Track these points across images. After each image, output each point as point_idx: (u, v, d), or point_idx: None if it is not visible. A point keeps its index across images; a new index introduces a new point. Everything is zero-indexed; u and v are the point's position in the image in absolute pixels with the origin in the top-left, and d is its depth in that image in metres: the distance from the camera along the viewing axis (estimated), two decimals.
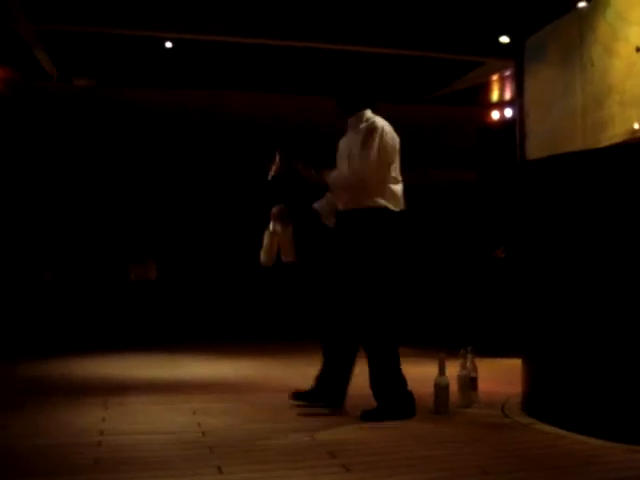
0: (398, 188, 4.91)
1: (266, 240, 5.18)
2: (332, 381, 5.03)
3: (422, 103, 10.16)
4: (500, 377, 6.33)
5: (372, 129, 4.77)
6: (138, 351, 8.80)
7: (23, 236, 11.68)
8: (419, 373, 6.55)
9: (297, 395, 5.00)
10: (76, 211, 12.31)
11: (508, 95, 10.65)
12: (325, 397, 4.99)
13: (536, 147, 5.12)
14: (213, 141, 11.07)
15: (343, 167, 4.88)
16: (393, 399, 4.80)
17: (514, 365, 5.59)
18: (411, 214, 13.18)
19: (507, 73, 9.48)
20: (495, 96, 10.86)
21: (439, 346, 6.36)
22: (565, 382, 4.50)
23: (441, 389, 4.94)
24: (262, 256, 5.21)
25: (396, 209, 4.88)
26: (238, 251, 11.72)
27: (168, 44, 8.74)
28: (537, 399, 4.84)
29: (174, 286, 11.77)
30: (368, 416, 4.68)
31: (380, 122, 4.84)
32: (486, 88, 10.30)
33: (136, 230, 12.20)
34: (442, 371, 4.96)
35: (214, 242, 11.92)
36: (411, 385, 5.77)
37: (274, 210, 5.13)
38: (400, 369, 4.90)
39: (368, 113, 4.92)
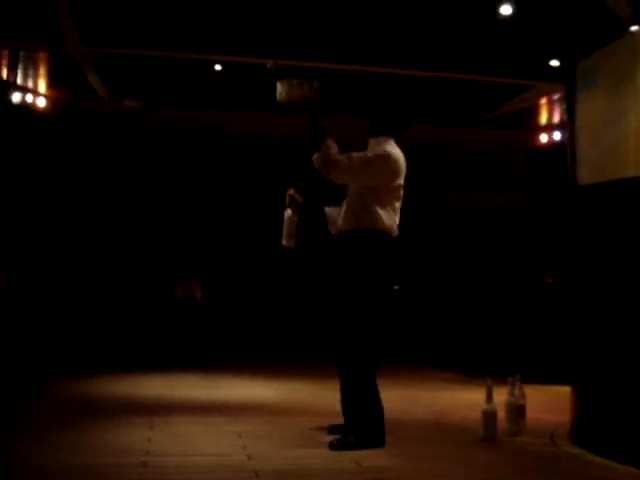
0: (395, 217, 4.93)
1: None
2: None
3: (471, 126, 10.11)
4: (548, 405, 6.23)
5: (381, 155, 4.83)
6: (183, 371, 8.81)
7: (73, 256, 11.82)
8: (467, 399, 6.52)
9: (332, 429, 4.91)
10: (124, 231, 12.45)
11: (557, 118, 10.57)
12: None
13: (587, 172, 5.03)
14: (263, 162, 11.11)
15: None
16: (366, 427, 4.60)
17: (563, 392, 5.52)
18: (460, 237, 13.15)
19: (555, 96, 9.40)
20: (544, 119, 10.77)
21: (486, 372, 6.27)
22: (617, 412, 4.40)
23: (489, 416, 4.86)
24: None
25: (391, 233, 4.87)
26: (280, 272, 11.76)
27: (218, 67, 8.82)
28: (587, 429, 4.74)
29: (219, 306, 11.81)
30: (337, 446, 4.48)
31: (393, 154, 4.87)
32: (535, 111, 10.22)
33: (182, 250, 12.29)
34: (490, 398, 4.88)
35: (256, 262, 11.95)
36: (459, 411, 5.72)
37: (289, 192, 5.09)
38: (377, 395, 4.73)
39: (387, 141, 4.94)
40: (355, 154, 4.80)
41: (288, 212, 5.08)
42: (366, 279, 4.74)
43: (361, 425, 4.62)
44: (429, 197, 12.99)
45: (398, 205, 4.98)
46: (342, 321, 4.83)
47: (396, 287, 13.46)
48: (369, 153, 4.87)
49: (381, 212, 4.81)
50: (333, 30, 7.56)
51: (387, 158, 4.83)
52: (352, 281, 4.78)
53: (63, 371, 8.31)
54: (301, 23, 7.47)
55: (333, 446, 4.48)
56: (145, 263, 12.43)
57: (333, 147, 4.79)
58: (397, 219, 4.97)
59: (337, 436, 4.64)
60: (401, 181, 4.94)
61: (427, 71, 8.02)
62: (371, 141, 5.01)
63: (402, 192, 5.00)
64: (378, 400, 4.70)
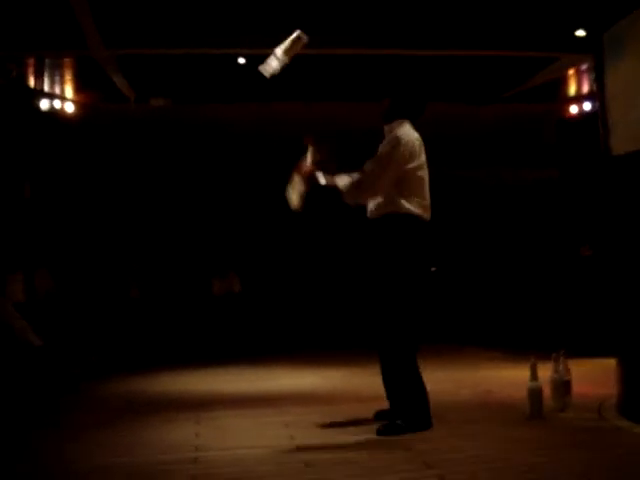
0: (419, 199, 4.84)
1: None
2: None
3: (499, 102, 10.02)
4: (594, 378, 6.18)
5: (390, 139, 4.82)
6: (224, 365, 8.86)
7: (111, 257, 11.94)
8: (511, 377, 6.51)
9: (378, 415, 4.93)
10: (160, 229, 12.55)
11: (586, 88, 10.44)
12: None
13: (620, 141, 4.97)
14: (294, 152, 11.10)
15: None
16: (411, 411, 4.60)
17: (608, 365, 5.46)
18: (496, 213, 13.05)
19: (583, 67, 9.29)
20: (572, 90, 10.64)
21: (529, 348, 6.24)
22: None
23: (534, 394, 4.85)
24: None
25: (421, 216, 4.82)
26: (320, 261, 11.78)
27: (241, 60, 8.82)
28: (635, 401, 4.70)
29: (258, 299, 11.86)
30: (384, 431, 4.51)
31: (404, 137, 4.80)
32: (563, 82, 10.10)
33: (218, 245, 12.36)
34: (534, 376, 4.87)
35: (295, 253, 11.98)
36: (504, 390, 5.71)
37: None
38: (420, 378, 4.70)
39: (400, 125, 4.90)
40: (368, 166, 4.76)
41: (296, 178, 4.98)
42: (396, 263, 4.72)
43: (406, 409, 4.60)
44: (460, 177, 12.93)
45: (421, 186, 4.88)
46: (378, 306, 4.81)
47: (433, 269, 13.48)
48: (381, 151, 4.80)
49: (400, 197, 4.76)
50: (353, 15, 7.52)
51: (397, 144, 4.76)
52: (384, 266, 4.76)
53: (105, 372, 8.39)
54: (318, 9, 7.44)
55: (380, 432, 4.49)
56: (182, 260, 12.53)
57: (343, 181, 4.81)
58: (423, 201, 4.87)
59: (384, 422, 4.64)
60: (417, 162, 4.85)
61: (450, 50, 7.96)
62: (386, 128, 4.97)
63: (424, 172, 4.91)
64: (421, 383, 4.69)
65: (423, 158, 4.92)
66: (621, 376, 4.94)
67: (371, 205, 4.87)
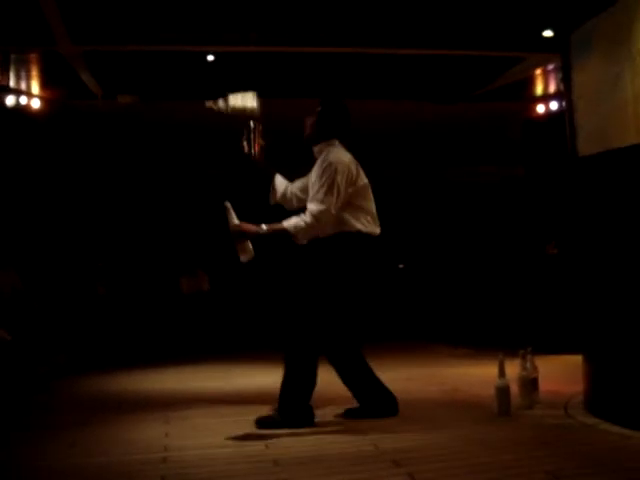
0: (367, 216, 4.95)
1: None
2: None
3: (467, 101, 10.07)
4: (560, 375, 6.26)
5: (325, 167, 4.79)
6: (193, 363, 8.82)
7: (75, 253, 11.84)
8: (479, 375, 6.56)
9: (348, 413, 5.04)
10: (126, 226, 12.47)
11: (552, 88, 10.51)
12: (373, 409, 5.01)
13: (586, 141, 5.02)
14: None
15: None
16: (293, 409, 4.76)
17: (574, 362, 5.54)
18: (462, 211, 13.14)
19: (550, 67, 9.36)
20: (539, 89, 10.72)
21: (496, 345, 6.30)
22: (631, 380, 4.42)
23: (502, 392, 4.90)
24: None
25: (367, 231, 4.91)
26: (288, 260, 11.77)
27: (210, 57, 8.78)
28: (601, 398, 4.77)
29: (227, 297, 11.83)
30: (263, 423, 4.74)
31: (335, 157, 4.83)
32: (530, 82, 10.16)
33: (186, 243, 12.32)
34: (502, 373, 4.91)
35: (264, 252, 11.95)
36: (472, 388, 5.76)
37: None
38: (315, 376, 4.80)
39: (330, 148, 4.93)
40: (315, 201, 4.73)
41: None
42: (340, 278, 4.79)
43: (289, 406, 4.75)
44: (428, 174, 13.01)
45: (367, 203, 4.98)
46: (295, 311, 4.87)
47: (401, 266, 13.49)
48: (322, 182, 4.75)
49: (349, 217, 4.83)
50: (324, 13, 7.52)
51: (334, 173, 4.75)
52: (316, 277, 4.84)
53: (74, 371, 8.33)
54: (282, 6, 7.43)
55: (258, 423, 4.72)
56: (149, 258, 12.47)
57: (289, 222, 4.76)
58: (371, 217, 4.97)
59: (267, 414, 4.88)
60: (359, 184, 4.91)
61: (418, 49, 7.99)
62: (315, 149, 4.99)
63: (367, 190, 5.01)
64: (312, 386, 4.78)
65: (363, 177, 4.98)
66: (587, 373, 5.01)
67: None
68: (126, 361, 9.29)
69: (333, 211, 4.75)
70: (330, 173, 4.75)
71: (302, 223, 4.73)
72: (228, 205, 4.96)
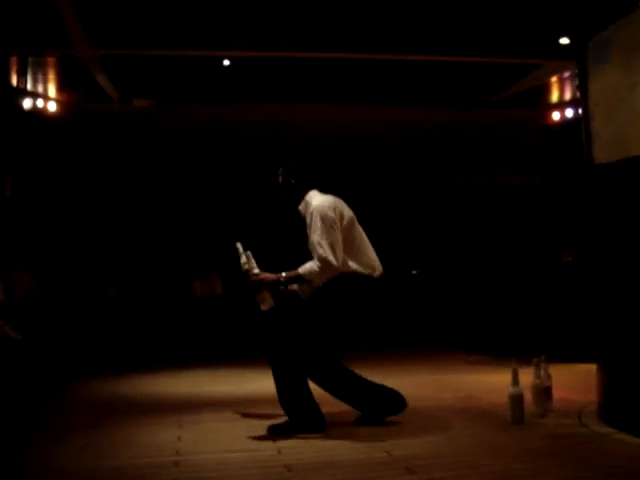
0: (364, 259, 5.00)
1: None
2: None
3: (483, 108, 10.06)
4: (575, 384, 6.22)
5: (313, 218, 4.89)
6: (206, 367, 8.84)
7: (90, 257, 11.88)
8: (493, 382, 6.53)
9: (359, 420, 5.03)
10: (140, 229, 12.51)
11: (568, 95, 10.50)
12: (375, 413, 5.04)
13: (603, 149, 4.99)
14: (275, 154, 11.12)
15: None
16: (301, 414, 4.81)
17: (589, 371, 5.49)
18: (476, 218, 13.10)
19: (566, 74, 9.34)
20: (555, 97, 10.71)
21: (511, 353, 6.27)
22: None
23: (515, 400, 4.87)
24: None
25: (367, 273, 4.95)
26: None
27: (226, 62, 8.82)
28: (615, 407, 4.74)
29: (240, 300, 11.82)
30: (276, 430, 4.75)
31: (319, 207, 4.92)
32: (546, 89, 10.15)
33: (199, 246, 12.34)
34: (516, 381, 4.88)
35: (278, 256, 11.95)
36: (486, 395, 5.73)
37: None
38: (307, 384, 4.87)
39: (311, 199, 5.03)
40: (319, 248, 4.80)
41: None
42: (327, 307, 4.87)
43: (300, 413, 4.80)
44: (442, 181, 12.98)
45: (363, 246, 5.05)
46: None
47: (414, 272, 13.47)
48: (315, 230, 4.84)
49: (346, 258, 4.89)
50: (338, 19, 7.53)
51: (321, 216, 4.85)
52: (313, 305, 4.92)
53: (87, 373, 8.35)
54: (302, 12, 7.45)
55: (271, 430, 4.73)
56: (162, 261, 12.49)
57: (304, 269, 4.84)
58: (369, 260, 5.03)
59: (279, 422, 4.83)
60: (346, 221, 4.98)
61: (435, 55, 7.99)
62: (300, 209, 5.09)
63: (358, 230, 5.07)
64: (309, 392, 4.85)
65: (350, 214, 5.06)
66: (602, 382, 4.97)
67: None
68: (139, 364, 9.31)
69: (338, 247, 4.85)
70: (320, 219, 4.85)
71: (316, 268, 4.82)
72: (241, 249, 5.06)
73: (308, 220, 4.95)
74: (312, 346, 4.85)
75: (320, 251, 4.80)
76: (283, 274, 4.94)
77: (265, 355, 4.89)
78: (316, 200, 5.00)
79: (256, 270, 4.98)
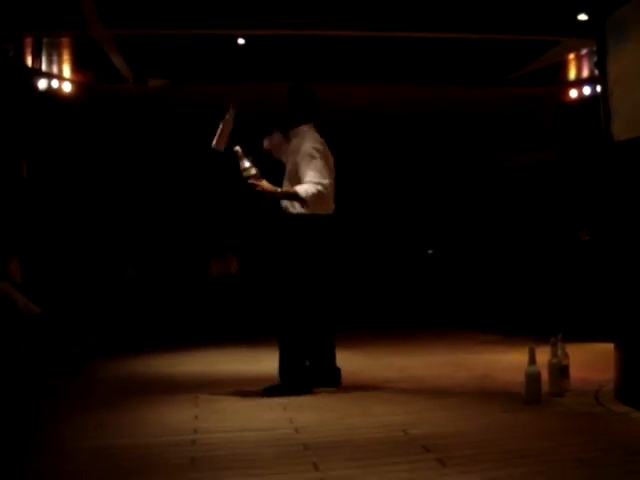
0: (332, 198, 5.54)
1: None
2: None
3: (499, 85, 9.98)
4: (591, 363, 6.20)
5: (309, 150, 5.36)
6: (222, 346, 8.88)
7: (105, 236, 11.92)
8: (509, 361, 6.53)
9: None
10: (156, 209, 12.52)
11: (586, 73, 10.40)
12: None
13: (621, 127, 4.95)
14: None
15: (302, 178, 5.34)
16: (292, 377, 5.34)
17: (605, 350, 5.49)
18: (493, 196, 13.03)
19: (584, 51, 9.25)
20: (572, 74, 10.61)
21: (528, 332, 6.26)
22: None
23: (532, 379, 4.85)
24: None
25: (326, 213, 5.46)
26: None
27: (241, 40, 8.78)
28: (633, 386, 4.72)
29: (255, 280, 11.84)
30: (268, 392, 5.27)
31: (317, 146, 5.40)
32: (563, 66, 10.06)
33: (216, 226, 12.34)
34: (532, 360, 4.87)
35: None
36: (502, 374, 5.74)
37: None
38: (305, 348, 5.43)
39: (308, 132, 5.52)
40: (312, 173, 5.26)
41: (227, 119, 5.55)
42: (301, 257, 5.36)
43: (288, 376, 5.34)
44: (459, 159, 12.91)
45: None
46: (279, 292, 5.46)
47: (430, 251, 13.46)
48: (305, 158, 5.32)
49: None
50: None
51: (315, 155, 5.34)
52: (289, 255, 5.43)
53: (105, 353, 8.40)
54: None
55: (264, 393, 5.26)
56: (179, 240, 12.51)
57: (301, 188, 5.25)
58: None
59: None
60: (330, 161, 5.52)
61: (452, 32, 7.92)
62: (290, 133, 5.58)
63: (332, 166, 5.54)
64: (303, 361, 5.42)
65: (329, 155, 5.56)
66: (619, 361, 4.95)
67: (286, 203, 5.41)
68: (156, 344, 9.36)
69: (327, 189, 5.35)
70: (314, 155, 5.34)
71: (314, 190, 5.22)
72: (241, 152, 5.43)
73: (300, 147, 5.38)
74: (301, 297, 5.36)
75: (319, 175, 5.25)
76: (279, 189, 5.37)
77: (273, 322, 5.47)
78: (311, 136, 5.46)
79: (254, 171, 5.37)
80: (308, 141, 5.39)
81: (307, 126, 5.54)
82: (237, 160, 5.34)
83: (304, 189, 5.22)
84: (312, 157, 5.31)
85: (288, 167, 5.53)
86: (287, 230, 5.42)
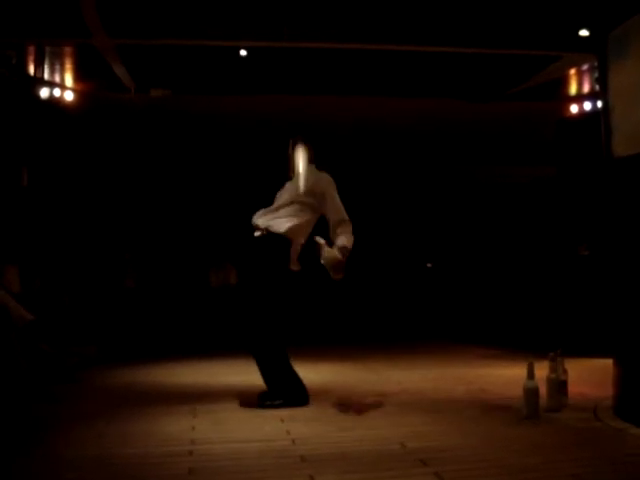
0: None
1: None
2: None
3: (500, 100, 10.01)
4: (590, 378, 6.19)
5: (331, 187, 5.61)
6: (221, 357, 8.86)
7: (105, 245, 11.93)
8: (507, 376, 6.51)
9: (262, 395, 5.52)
10: (157, 218, 12.53)
11: (587, 88, 10.42)
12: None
13: (622, 143, 4.96)
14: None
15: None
16: (286, 387, 5.43)
17: (604, 365, 5.48)
18: (493, 211, 13.03)
19: (585, 66, 9.27)
20: (573, 89, 10.63)
21: (526, 347, 6.25)
22: None
23: (531, 393, 4.85)
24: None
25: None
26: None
27: (243, 52, 8.80)
28: (631, 402, 4.71)
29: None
30: (264, 397, 5.42)
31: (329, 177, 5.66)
32: (564, 82, 10.08)
33: (215, 236, 12.34)
34: (531, 375, 4.86)
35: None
36: (500, 389, 5.73)
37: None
38: (289, 364, 5.55)
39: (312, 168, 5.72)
40: (343, 213, 5.50)
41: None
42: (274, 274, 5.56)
43: (284, 390, 5.41)
44: (459, 173, 12.94)
45: None
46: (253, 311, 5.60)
47: (429, 265, 13.44)
48: (331, 193, 5.55)
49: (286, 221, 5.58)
50: (356, 9, 7.50)
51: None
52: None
53: (104, 362, 8.38)
54: (323, 2, 7.43)
55: (260, 405, 5.35)
56: (179, 251, 12.51)
57: (350, 242, 5.42)
58: None
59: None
60: None
61: (452, 47, 7.94)
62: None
63: None
64: (291, 368, 5.56)
65: None
66: (618, 377, 4.95)
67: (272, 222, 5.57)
68: (155, 354, 9.34)
69: None
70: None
71: (351, 234, 5.43)
72: (321, 240, 5.45)
73: (326, 176, 5.62)
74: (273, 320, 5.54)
75: (346, 216, 5.47)
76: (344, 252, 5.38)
77: (244, 342, 5.61)
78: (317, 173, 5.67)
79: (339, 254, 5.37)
80: (324, 175, 5.65)
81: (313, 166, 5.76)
82: (318, 250, 5.41)
83: (351, 239, 5.42)
84: (336, 191, 5.56)
85: (297, 185, 5.69)
86: (272, 249, 5.53)
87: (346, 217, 5.46)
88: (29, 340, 6.92)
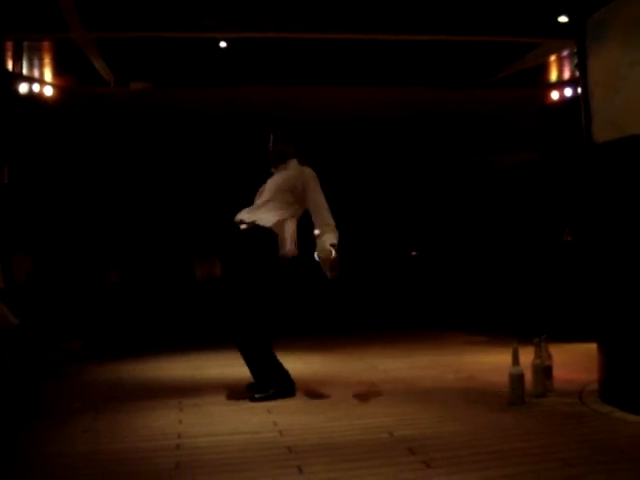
0: None
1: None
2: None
3: (481, 88, 10.00)
4: (575, 363, 6.23)
5: (315, 181, 5.63)
6: (207, 350, 8.84)
7: (88, 240, 11.88)
8: (493, 362, 6.55)
9: (250, 387, 5.60)
10: (139, 212, 12.49)
11: (567, 74, 10.44)
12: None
13: (602, 128, 4.98)
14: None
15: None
16: (274, 379, 5.44)
17: (588, 350, 5.52)
18: (476, 198, 13.06)
19: (565, 52, 9.28)
20: (554, 76, 10.65)
21: (511, 333, 6.27)
22: None
23: (516, 379, 4.88)
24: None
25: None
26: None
27: (222, 44, 8.75)
28: (615, 386, 4.75)
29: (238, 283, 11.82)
30: (253, 389, 5.46)
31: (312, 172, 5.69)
32: (544, 68, 10.08)
33: (198, 228, 12.32)
34: (516, 361, 4.89)
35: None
36: (486, 375, 5.75)
37: None
38: (274, 356, 5.59)
39: (296, 163, 5.77)
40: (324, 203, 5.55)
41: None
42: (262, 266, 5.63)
43: (272, 382, 5.43)
44: (442, 161, 12.95)
45: None
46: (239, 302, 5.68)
47: (414, 253, 13.44)
48: (312, 186, 5.57)
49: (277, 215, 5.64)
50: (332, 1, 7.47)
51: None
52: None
53: (89, 358, 8.35)
54: None
55: (252, 399, 5.29)
56: (163, 244, 12.48)
57: (336, 238, 5.45)
58: None
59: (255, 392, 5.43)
60: None
61: (431, 35, 7.91)
62: (279, 166, 5.79)
63: None
64: (276, 360, 5.59)
65: None
66: (602, 361, 4.98)
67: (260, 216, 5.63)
68: (141, 348, 9.32)
69: None
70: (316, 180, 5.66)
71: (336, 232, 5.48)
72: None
73: (309, 171, 5.63)
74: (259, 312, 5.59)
75: (329, 217, 5.50)
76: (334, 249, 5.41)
77: (230, 334, 5.63)
78: (299, 167, 5.71)
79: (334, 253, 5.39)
80: (307, 170, 5.67)
81: (295, 160, 5.80)
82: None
83: (336, 237, 5.45)
84: (318, 184, 5.60)
85: (278, 180, 5.72)
86: (258, 241, 5.59)
87: (330, 220, 5.49)
88: (17, 341, 6.89)
